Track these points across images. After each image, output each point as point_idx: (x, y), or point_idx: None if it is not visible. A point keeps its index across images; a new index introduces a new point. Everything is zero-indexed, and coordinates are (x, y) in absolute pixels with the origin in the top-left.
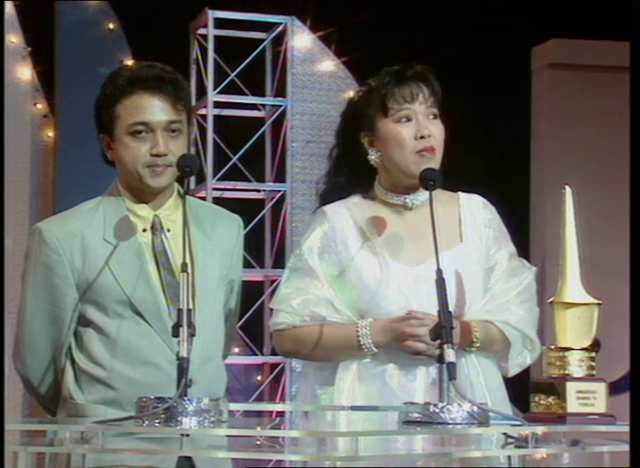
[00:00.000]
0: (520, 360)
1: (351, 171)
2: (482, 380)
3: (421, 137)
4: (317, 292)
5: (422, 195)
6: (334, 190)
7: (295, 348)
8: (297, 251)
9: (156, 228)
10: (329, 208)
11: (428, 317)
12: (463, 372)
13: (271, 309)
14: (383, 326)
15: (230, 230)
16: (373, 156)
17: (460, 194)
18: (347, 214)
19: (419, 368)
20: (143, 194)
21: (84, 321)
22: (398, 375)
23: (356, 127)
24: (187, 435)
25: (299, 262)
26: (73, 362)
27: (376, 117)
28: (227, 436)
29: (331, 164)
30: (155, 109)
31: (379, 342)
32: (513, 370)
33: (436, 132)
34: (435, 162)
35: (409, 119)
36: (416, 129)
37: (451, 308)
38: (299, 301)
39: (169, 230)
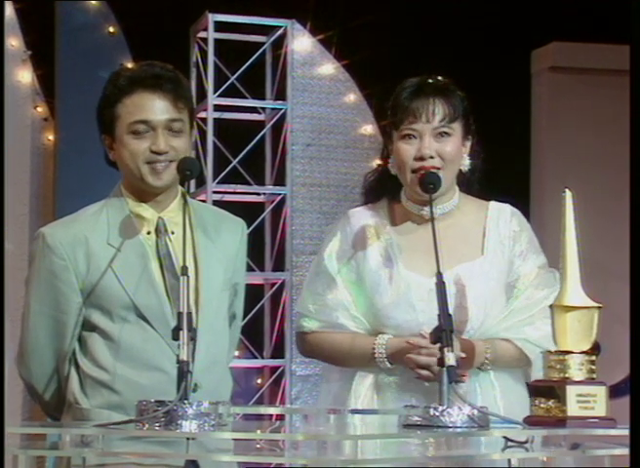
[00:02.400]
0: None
1: (382, 174)
2: (498, 394)
3: (421, 158)
4: (334, 297)
5: (441, 208)
6: (368, 189)
7: (314, 352)
8: (319, 255)
9: (160, 231)
10: (353, 212)
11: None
12: (473, 388)
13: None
14: (398, 346)
15: (234, 234)
16: (390, 164)
17: (491, 204)
18: (370, 219)
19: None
20: (146, 195)
21: (88, 325)
22: (412, 386)
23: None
24: (193, 438)
25: (319, 267)
26: (78, 367)
27: (392, 127)
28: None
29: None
30: (156, 108)
31: (393, 360)
32: None
33: (443, 151)
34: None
35: (413, 136)
36: (417, 148)
37: (466, 322)
38: (315, 306)
39: (173, 233)
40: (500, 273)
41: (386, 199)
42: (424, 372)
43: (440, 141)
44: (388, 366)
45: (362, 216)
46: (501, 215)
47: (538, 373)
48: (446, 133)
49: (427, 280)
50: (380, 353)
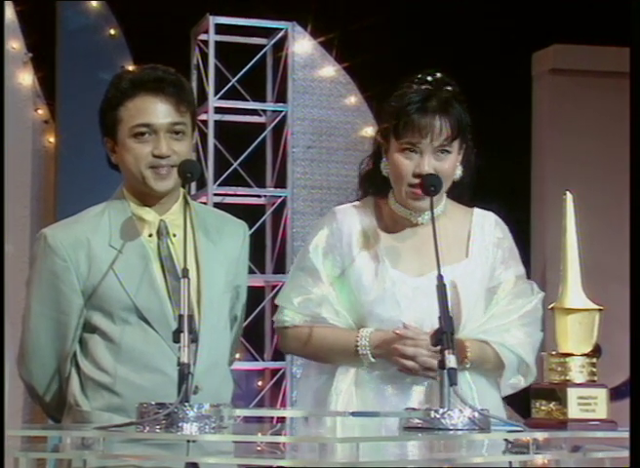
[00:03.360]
0: (513, 382)
1: (374, 169)
2: (475, 396)
3: (419, 175)
4: (318, 291)
5: (429, 213)
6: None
7: (296, 347)
8: (303, 249)
9: (162, 233)
10: (340, 209)
11: (421, 337)
12: None
13: (276, 307)
14: (381, 338)
15: (236, 236)
16: (382, 165)
17: (475, 210)
18: (357, 217)
19: (414, 377)
20: (148, 198)
21: (89, 327)
22: (394, 383)
23: (382, 128)
24: (194, 441)
25: (303, 261)
26: (78, 368)
27: (392, 134)
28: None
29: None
30: (158, 111)
31: (376, 353)
32: (505, 391)
33: (441, 168)
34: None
35: (414, 151)
36: (416, 164)
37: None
38: (299, 300)
39: (174, 235)
40: (483, 277)
41: (373, 196)
42: (410, 363)
43: (439, 159)
44: (371, 360)
45: (348, 213)
46: (486, 222)
47: (508, 382)
48: (446, 150)
49: (412, 279)
50: (363, 345)
